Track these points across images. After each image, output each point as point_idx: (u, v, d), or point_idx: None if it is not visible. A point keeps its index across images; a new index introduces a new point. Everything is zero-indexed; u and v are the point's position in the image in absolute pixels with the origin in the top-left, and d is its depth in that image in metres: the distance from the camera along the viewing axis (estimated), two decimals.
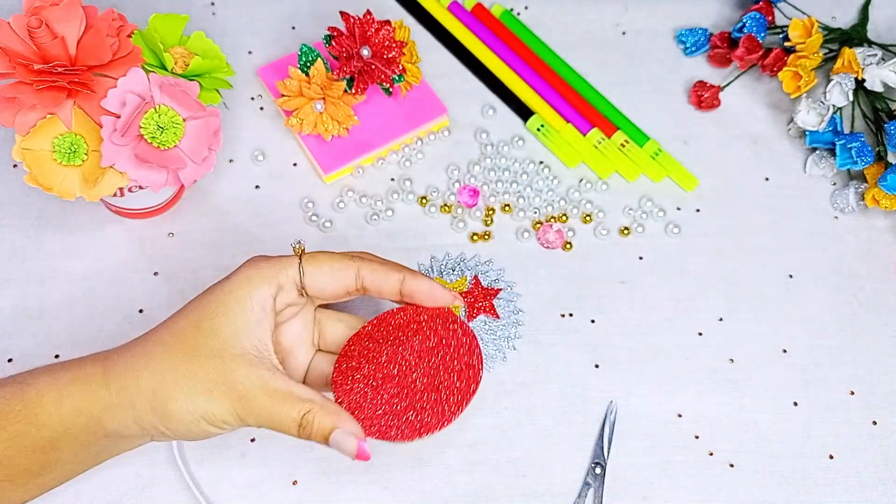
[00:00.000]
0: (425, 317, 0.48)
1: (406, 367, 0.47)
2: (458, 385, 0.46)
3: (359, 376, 0.47)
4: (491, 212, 0.64)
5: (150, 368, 0.43)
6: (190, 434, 0.44)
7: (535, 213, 0.64)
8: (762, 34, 0.69)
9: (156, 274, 0.60)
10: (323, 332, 0.50)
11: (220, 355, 0.43)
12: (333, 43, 0.61)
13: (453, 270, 0.61)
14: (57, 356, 0.56)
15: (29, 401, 0.43)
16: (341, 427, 0.43)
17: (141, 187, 0.55)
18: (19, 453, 0.43)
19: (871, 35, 0.72)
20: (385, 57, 0.62)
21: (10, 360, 0.56)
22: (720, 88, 0.70)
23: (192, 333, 0.44)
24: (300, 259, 0.46)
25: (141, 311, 0.58)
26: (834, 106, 0.65)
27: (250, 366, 0.43)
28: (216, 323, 0.43)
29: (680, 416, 0.57)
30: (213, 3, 0.72)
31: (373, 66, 0.62)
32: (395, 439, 0.45)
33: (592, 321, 0.60)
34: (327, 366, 0.49)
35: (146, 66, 0.53)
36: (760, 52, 0.69)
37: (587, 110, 0.69)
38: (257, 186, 0.64)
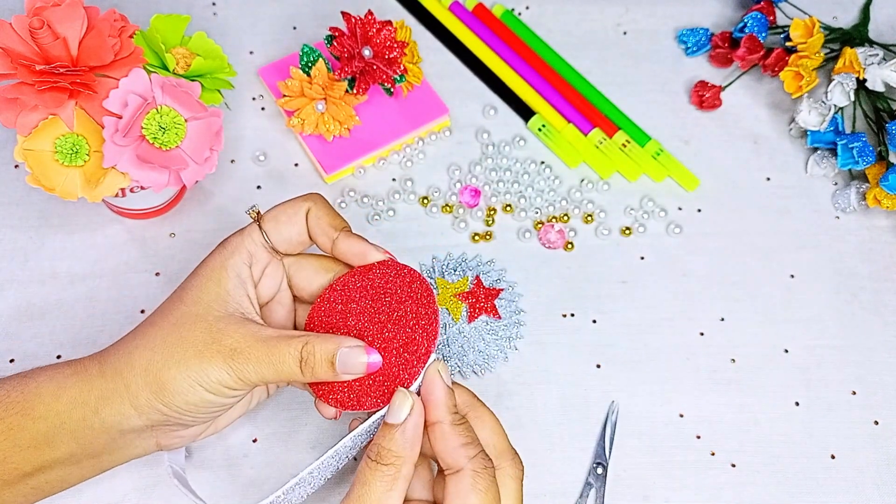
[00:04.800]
0: (385, 277, 0.46)
1: (371, 332, 0.45)
2: (418, 340, 0.43)
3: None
4: (492, 212, 0.64)
5: (141, 346, 0.43)
6: (189, 407, 0.43)
7: (537, 213, 0.64)
8: (763, 34, 0.69)
9: (157, 274, 0.60)
10: (295, 282, 0.48)
11: (204, 318, 0.43)
12: (335, 43, 0.62)
13: (455, 271, 0.61)
14: (59, 357, 0.56)
15: (28, 392, 0.43)
16: (343, 346, 0.42)
17: (142, 188, 0.55)
18: (14, 448, 0.42)
19: (872, 35, 0.72)
20: (386, 57, 0.62)
21: (11, 361, 0.56)
22: (721, 88, 0.70)
23: (177, 306, 0.44)
24: (258, 222, 0.46)
25: (143, 311, 0.58)
26: (835, 106, 0.65)
27: (237, 323, 0.43)
28: (197, 293, 0.44)
29: (681, 415, 0.57)
30: (214, 4, 0.72)
31: (374, 67, 0.62)
32: (370, 407, 0.43)
33: (594, 321, 0.60)
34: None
35: (148, 67, 0.53)
36: (762, 52, 0.69)
37: (588, 110, 0.69)
38: (259, 187, 0.64)
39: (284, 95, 0.62)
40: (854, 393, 0.59)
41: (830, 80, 0.65)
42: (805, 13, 0.73)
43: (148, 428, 0.44)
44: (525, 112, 0.68)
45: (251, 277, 0.46)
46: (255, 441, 0.54)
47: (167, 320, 0.44)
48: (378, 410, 0.43)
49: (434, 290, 0.45)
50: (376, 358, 0.43)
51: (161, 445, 0.46)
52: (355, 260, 0.46)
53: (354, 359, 0.42)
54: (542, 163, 0.66)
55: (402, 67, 0.63)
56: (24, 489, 0.44)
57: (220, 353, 0.42)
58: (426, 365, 0.43)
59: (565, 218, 0.64)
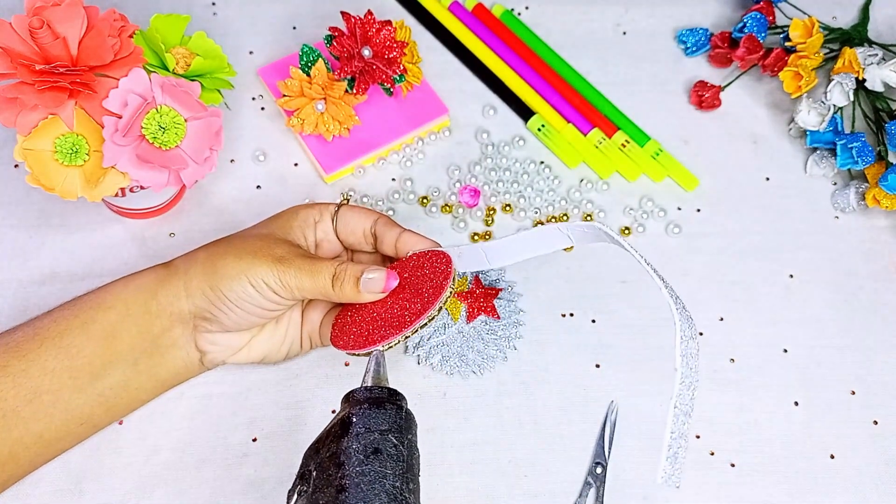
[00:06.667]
0: (416, 258, 0.52)
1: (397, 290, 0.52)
2: (423, 298, 0.50)
3: (348, 312, 0.53)
4: (492, 212, 0.64)
5: (207, 247, 0.52)
6: (232, 295, 0.49)
7: (536, 212, 0.64)
8: (763, 34, 0.69)
9: None
10: (339, 228, 0.55)
11: (267, 237, 0.52)
12: (334, 43, 0.62)
13: None
14: None
15: (102, 289, 0.52)
16: (368, 270, 0.50)
17: (142, 187, 0.55)
18: (87, 341, 0.49)
19: (871, 35, 0.72)
20: (386, 57, 0.62)
21: None
22: (721, 88, 0.70)
23: (249, 229, 0.54)
24: (342, 204, 0.55)
25: None
26: (834, 106, 0.65)
27: (289, 244, 0.52)
28: (268, 222, 0.54)
29: None
30: (214, 4, 0.72)
31: (374, 67, 0.62)
32: (363, 347, 0.50)
33: (593, 321, 0.60)
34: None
35: (148, 67, 0.53)
36: (761, 52, 0.69)
37: (588, 110, 0.69)
38: (258, 186, 0.64)
39: (284, 95, 0.62)
40: (853, 393, 0.59)
41: (830, 80, 0.65)
42: (804, 13, 0.73)
43: (191, 317, 0.51)
44: (524, 112, 0.68)
45: (314, 228, 0.54)
46: (254, 440, 0.54)
47: (236, 235, 0.53)
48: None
49: (453, 276, 0.51)
50: (392, 283, 0.50)
51: (200, 348, 0.52)
52: (414, 247, 0.53)
53: (375, 277, 0.50)
54: (542, 163, 0.66)
55: (401, 67, 0.63)
56: (92, 395, 0.50)
57: (270, 256, 0.49)
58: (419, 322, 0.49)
59: (564, 218, 0.64)
